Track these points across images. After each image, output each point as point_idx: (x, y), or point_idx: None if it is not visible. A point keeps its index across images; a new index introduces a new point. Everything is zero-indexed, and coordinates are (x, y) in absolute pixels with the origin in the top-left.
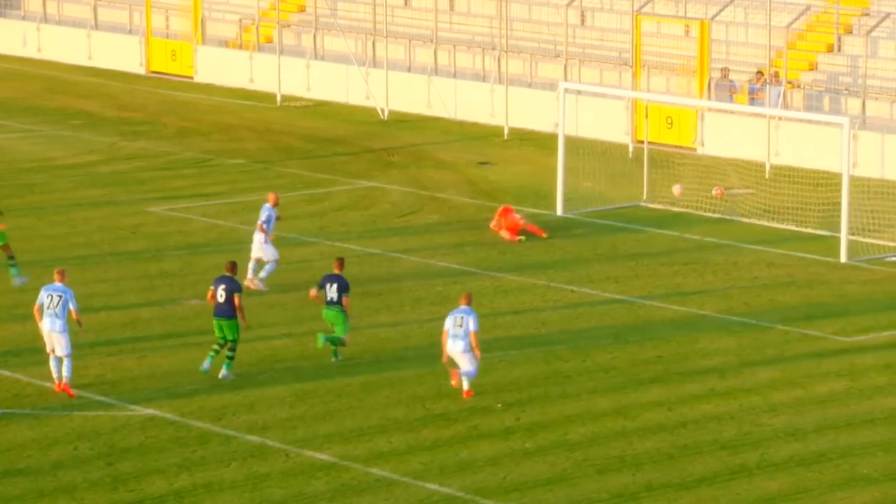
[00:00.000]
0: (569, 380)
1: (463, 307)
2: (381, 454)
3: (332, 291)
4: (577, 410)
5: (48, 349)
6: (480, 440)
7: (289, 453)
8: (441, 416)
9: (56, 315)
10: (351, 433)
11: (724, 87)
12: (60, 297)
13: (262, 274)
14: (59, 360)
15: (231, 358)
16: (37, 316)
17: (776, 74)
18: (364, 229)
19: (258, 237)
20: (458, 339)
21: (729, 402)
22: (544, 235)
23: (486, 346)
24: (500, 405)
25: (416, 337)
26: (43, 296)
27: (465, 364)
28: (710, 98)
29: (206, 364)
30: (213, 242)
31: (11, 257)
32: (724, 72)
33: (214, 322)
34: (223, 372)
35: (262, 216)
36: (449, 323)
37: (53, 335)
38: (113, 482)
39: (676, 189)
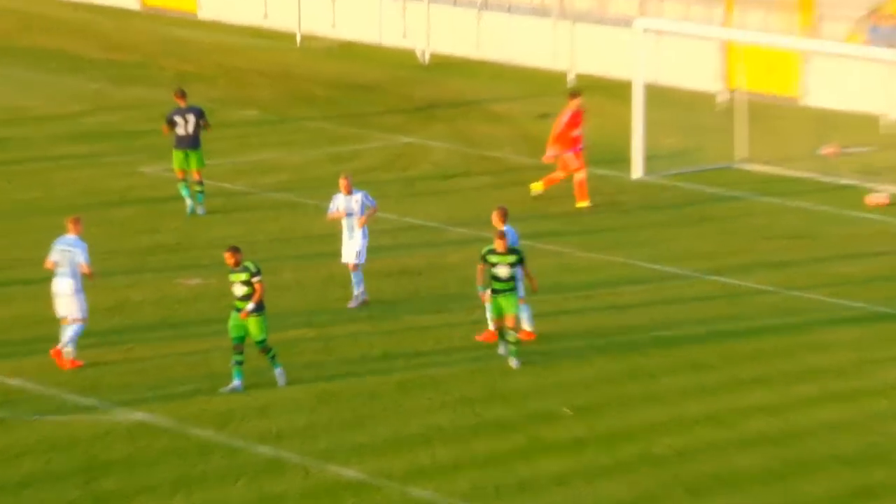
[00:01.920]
0: (652, 379)
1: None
2: (421, 470)
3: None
4: (662, 417)
5: (58, 315)
6: (544, 454)
7: (309, 469)
8: (496, 423)
9: (64, 274)
10: (385, 444)
11: (883, 34)
12: (69, 252)
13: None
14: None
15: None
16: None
17: None
18: (401, 194)
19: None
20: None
21: (849, 406)
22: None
23: (549, 337)
24: (568, 410)
25: (464, 325)
26: (55, 251)
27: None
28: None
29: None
30: (219, 209)
31: (199, 183)
32: (877, 14)
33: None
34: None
35: (356, 207)
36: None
37: (60, 298)
38: (94, 503)
39: (827, 149)
